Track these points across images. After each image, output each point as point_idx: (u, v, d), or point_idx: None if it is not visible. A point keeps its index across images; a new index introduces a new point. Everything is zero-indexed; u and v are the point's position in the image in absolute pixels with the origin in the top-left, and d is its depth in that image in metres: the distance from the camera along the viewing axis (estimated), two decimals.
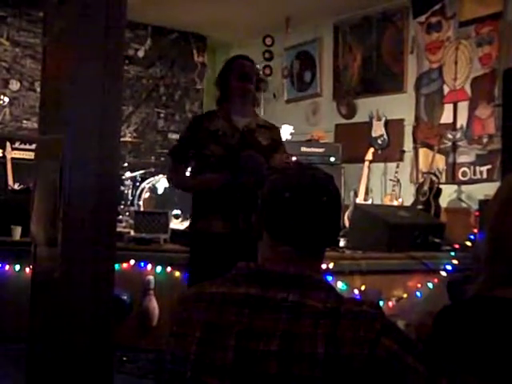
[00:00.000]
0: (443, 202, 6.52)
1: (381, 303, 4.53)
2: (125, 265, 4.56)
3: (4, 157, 6.87)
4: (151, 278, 4.57)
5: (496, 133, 6.42)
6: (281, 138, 3.86)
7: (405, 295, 4.77)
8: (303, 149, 6.84)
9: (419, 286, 4.83)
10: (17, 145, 7.11)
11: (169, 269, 4.62)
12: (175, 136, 9.40)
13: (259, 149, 3.57)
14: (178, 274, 4.61)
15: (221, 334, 1.32)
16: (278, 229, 1.40)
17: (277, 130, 3.86)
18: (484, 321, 1.38)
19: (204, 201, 3.60)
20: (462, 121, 6.86)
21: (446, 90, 7.07)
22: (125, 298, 4.46)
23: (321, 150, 6.97)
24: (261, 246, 1.45)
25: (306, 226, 1.38)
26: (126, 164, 6.87)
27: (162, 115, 9.38)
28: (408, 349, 1.25)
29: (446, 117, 7.03)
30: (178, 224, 6.01)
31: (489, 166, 6.56)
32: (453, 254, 5.12)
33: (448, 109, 7.02)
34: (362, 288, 4.59)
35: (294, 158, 5.87)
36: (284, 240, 1.40)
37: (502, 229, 1.46)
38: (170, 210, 5.84)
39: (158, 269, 4.62)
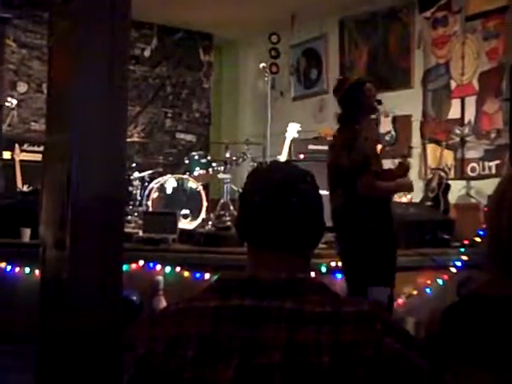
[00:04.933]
0: (452, 197, 6.50)
1: None
2: (134, 265, 4.56)
3: (13, 159, 6.89)
4: (160, 278, 4.57)
5: (504, 127, 6.40)
6: None
7: (415, 292, 4.76)
8: (311, 146, 6.80)
9: (429, 282, 4.81)
10: (25, 147, 7.13)
11: (178, 269, 4.62)
12: (183, 135, 9.42)
13: None
14: (187, 273, 4.61)
15: (217, 351, 1.24)
16: (255, 235, 1.35)
17: None
18: (490, 317, 1.38)
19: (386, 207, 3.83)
20: (469, 116, 6.84)
21: (454, 85, 7.04)
22: (134, 298, 4.46)
23: None
24: (247, 253, 1.39)
25: (281, 229, 1.32)
26: (134, 164, 6.87)
27: (169, 115, 9.38)
28: (410, 346, 1.24)
29: (454, 112, 7.00)
30: (186, 224, 6.00)
31: (497, 161, 6.53)
32: (462, 250, 5.10)
33: (456, 104, 7.00)
34: None
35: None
36: (263, 245, 1.34)
37: (499, 225, 1.45)
38: (179, 210, 5.84)
39: (167, 269, 4.62)
